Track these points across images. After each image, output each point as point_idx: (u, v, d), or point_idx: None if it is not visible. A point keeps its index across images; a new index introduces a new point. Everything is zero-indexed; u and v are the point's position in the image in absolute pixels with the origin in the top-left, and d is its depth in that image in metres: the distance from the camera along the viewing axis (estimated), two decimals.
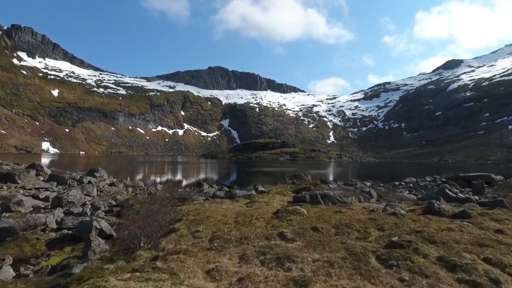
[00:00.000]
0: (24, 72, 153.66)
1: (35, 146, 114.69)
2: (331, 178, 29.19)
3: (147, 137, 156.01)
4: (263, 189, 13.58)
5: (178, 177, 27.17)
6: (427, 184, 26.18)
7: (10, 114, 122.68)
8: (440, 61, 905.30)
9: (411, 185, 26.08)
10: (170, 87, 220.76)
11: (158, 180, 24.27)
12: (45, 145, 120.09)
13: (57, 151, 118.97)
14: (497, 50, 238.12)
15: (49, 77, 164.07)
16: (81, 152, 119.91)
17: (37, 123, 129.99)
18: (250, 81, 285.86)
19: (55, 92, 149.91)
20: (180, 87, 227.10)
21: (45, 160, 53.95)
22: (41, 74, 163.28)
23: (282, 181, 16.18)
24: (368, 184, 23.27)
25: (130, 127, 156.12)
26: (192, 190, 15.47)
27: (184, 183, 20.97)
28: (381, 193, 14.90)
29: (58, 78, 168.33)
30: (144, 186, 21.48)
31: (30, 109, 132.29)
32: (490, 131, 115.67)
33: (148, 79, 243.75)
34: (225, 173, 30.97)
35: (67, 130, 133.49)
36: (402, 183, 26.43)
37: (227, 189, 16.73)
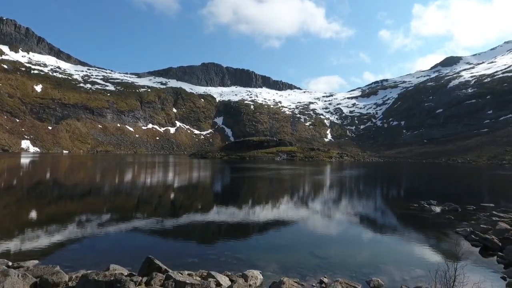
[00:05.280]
0: (5, 66, 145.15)
1: (13, 145, 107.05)
2: (347, 192, 22.58)
3: (137, 135, 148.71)
4: None
5: (119, 191, 18.27)
6: None
7: None
8: (438, 58, 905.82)
9: None
10: (161, 83, 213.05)
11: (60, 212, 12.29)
12: (25, 143, 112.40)
13: (38, 150, 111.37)
14: (496, 47, 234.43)
15: (32, 71, 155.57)
16: (64, 151, 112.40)
17: (18, 120, 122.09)
18: (245, 78, 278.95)
19: (38, 88, 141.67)
20: (172, 83, 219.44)
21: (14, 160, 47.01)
22: (23, 69, 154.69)
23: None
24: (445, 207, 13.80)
25: (118, 125, 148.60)
26: None
27: (94, 217, 10.84)
28: None
29: (42, 73, 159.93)
30: None
31: (10, 105, 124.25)
32: (495, 128, 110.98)
33: (139, 75, 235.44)
34: (200, 183, 22.55)
35: (50, 128, 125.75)
36: None
37: None
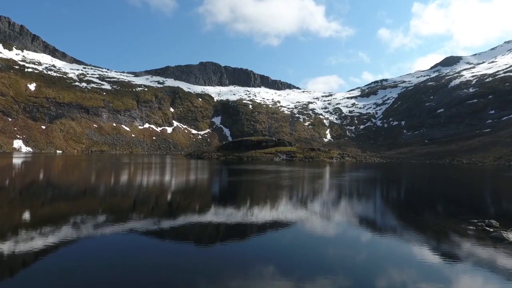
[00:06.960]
0: None
1: (5, 144, 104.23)
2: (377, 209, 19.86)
3: (133, 135, 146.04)
4: None
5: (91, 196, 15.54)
6: None
7: None
8: (438, 58, 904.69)
9: None
10: (159, 82, 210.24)
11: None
12: (17, 143, 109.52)
13: (30, 149, 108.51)
14: (496, 47, 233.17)
15: (26, 70, 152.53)
16: (58, 151, 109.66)
17: (10, 119, 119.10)
18: (244, 77, 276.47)
19: (32, 86, 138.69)
20: (170, 82, 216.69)
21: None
22: (17, 67, 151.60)
23: None
24: None
25: (114, 124, 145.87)
26: None
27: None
28: None
29: (36, 71, 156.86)
30: None
31: (2, 104, 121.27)
32: (497, 129, 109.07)
33: (136, 74, 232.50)
34: (185, 192, 18.14)
35: (43, 127, 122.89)
36: None
37: None
